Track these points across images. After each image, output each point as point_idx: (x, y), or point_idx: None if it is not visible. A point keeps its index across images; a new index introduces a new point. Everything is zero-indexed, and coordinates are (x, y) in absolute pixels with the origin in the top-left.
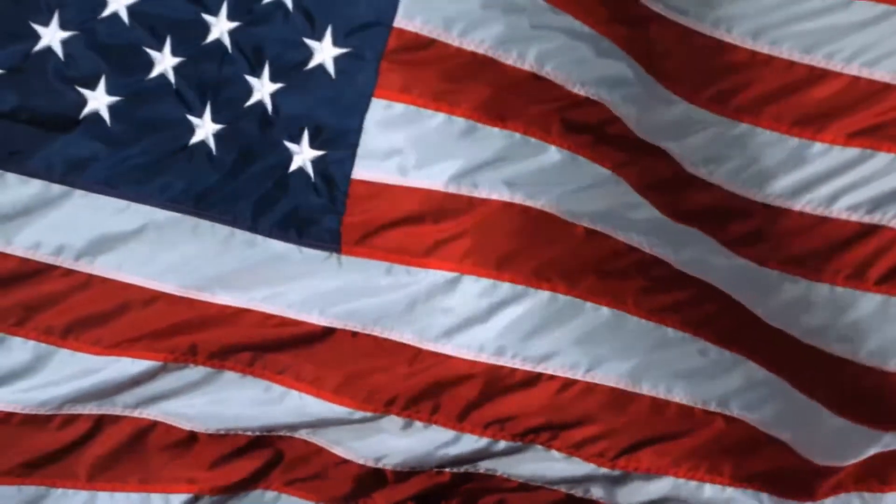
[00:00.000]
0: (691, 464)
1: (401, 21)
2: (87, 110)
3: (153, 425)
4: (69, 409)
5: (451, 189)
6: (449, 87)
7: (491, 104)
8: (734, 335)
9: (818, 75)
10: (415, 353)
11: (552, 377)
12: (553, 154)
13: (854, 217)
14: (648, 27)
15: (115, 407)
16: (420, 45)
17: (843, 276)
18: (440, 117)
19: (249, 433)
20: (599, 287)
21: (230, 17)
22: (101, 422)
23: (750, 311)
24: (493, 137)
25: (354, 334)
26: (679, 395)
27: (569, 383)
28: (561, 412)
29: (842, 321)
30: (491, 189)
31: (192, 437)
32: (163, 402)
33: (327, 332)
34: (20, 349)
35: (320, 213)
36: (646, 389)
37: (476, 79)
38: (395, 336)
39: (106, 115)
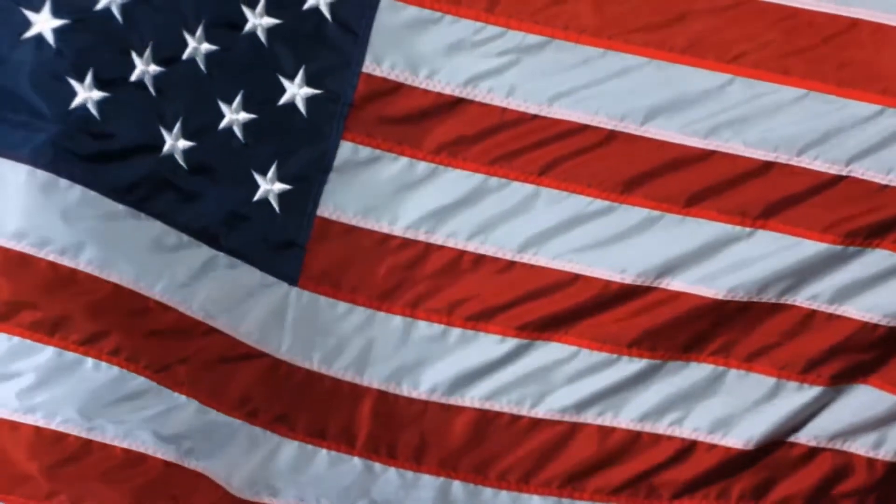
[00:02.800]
0: None
1: (369, 66)
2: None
3: None
4: None
5: (409, 234)
6: (413, 131)
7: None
8: None
9: None
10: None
11: None
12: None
13: None
14: None
15: None
16: (387, 89)
17: None
18: (403, 161)
19: None
20: None
21: (208, 40)
22: None
23: None
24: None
25: None
26: None
27: None
28: None
29: None
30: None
31: None
32: None
33: None
34: None
35: (281, 246)
36: None
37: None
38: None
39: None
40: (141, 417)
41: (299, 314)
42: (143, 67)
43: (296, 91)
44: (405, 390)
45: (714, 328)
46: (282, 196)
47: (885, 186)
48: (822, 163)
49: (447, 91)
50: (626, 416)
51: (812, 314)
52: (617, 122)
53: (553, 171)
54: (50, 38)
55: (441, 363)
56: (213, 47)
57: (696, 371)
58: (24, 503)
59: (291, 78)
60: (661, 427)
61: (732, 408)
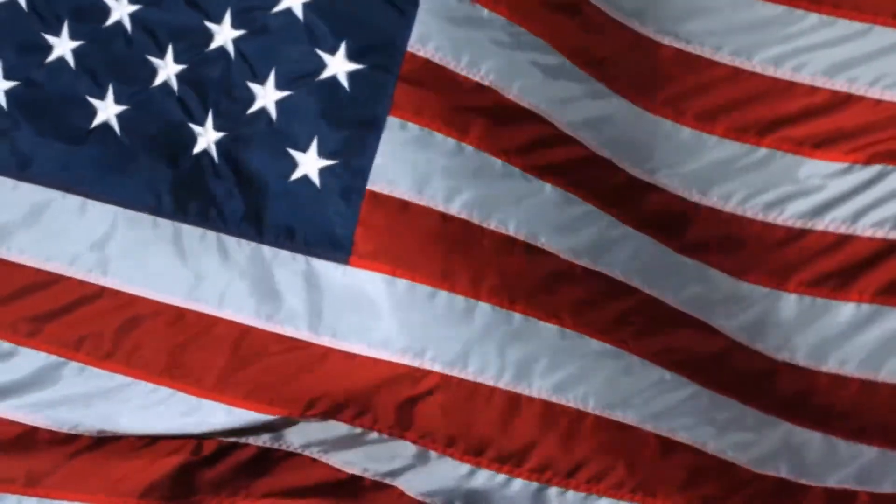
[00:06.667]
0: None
1: (414, 45)
2: (97, 121)
3: None
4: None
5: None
6: (458, 114)
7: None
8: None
9: (841, 100)
10: None
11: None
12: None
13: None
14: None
15: None
16: (431, 70)
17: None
18: (451, 142)
19: None
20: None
21: (234, 26)
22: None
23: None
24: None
25: None
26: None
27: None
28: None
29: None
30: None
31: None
32: None
33: None
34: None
35: (329, 224)
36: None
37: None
38: None
39: (115, 125)
40: None
41: (347, 292)
42: (165, 71)
43: (338, 66)
44: (470, 374)
45: None
46: (323, 172)
47: None
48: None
49: (485, 81)
50: None
51: None
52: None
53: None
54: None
55: (500, 344)
56: (240, 32)
57: None
58: None
59: (332, 53)
60: None
61: None
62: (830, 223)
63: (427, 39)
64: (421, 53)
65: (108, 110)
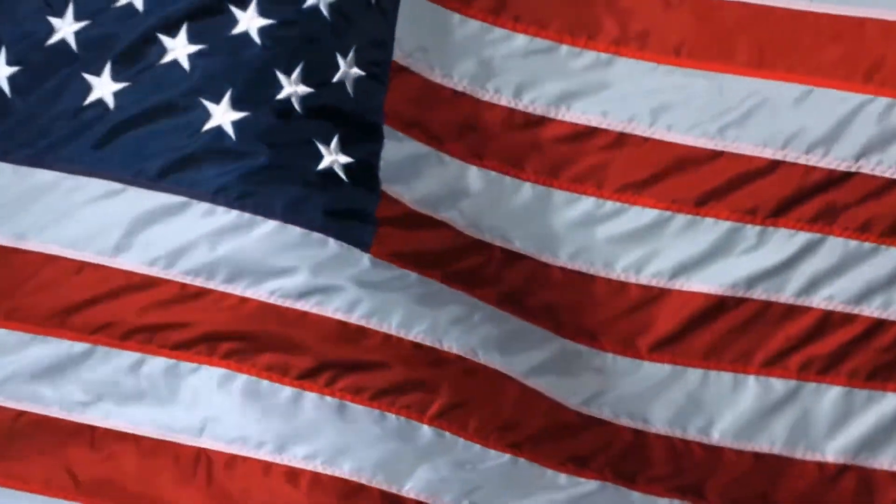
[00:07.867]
0: None
1: (397, 53)
2: (91, 98)
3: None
4: None
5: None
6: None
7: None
8: None
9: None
10: None
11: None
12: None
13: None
14: None
15: None
16: (411, 79)
17: None
18: (431, 152)
19: None
20: None
21: (261, 14)
22: None
23: None
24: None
25: None
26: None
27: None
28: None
29: None
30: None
31: None
32: None
33: None
34: None
35: (352, 214)
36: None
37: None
38: None
39: (111, 101)
40: None
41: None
42: (175, 49)
43: (346, 70)
44: (480, 357)
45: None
46: (347, 167)
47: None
48: (831, 159)
49: (458, 88)
50: None
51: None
52: (625, 125)
53: (564, 173)
54: None
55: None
56: (269, 21)
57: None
58: None
59: (344, 56)
60: None
61: None
62: (877, 166)
63: (406, 47)
64: (402, 62)
65: (104, 87)
